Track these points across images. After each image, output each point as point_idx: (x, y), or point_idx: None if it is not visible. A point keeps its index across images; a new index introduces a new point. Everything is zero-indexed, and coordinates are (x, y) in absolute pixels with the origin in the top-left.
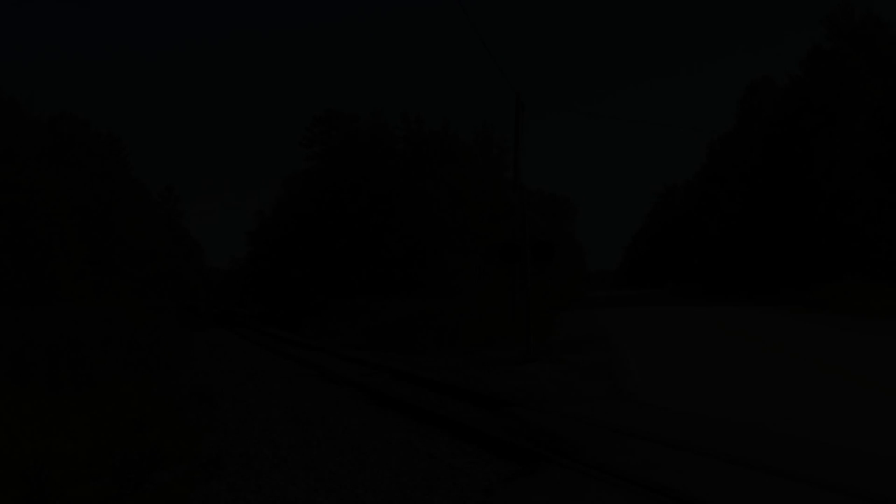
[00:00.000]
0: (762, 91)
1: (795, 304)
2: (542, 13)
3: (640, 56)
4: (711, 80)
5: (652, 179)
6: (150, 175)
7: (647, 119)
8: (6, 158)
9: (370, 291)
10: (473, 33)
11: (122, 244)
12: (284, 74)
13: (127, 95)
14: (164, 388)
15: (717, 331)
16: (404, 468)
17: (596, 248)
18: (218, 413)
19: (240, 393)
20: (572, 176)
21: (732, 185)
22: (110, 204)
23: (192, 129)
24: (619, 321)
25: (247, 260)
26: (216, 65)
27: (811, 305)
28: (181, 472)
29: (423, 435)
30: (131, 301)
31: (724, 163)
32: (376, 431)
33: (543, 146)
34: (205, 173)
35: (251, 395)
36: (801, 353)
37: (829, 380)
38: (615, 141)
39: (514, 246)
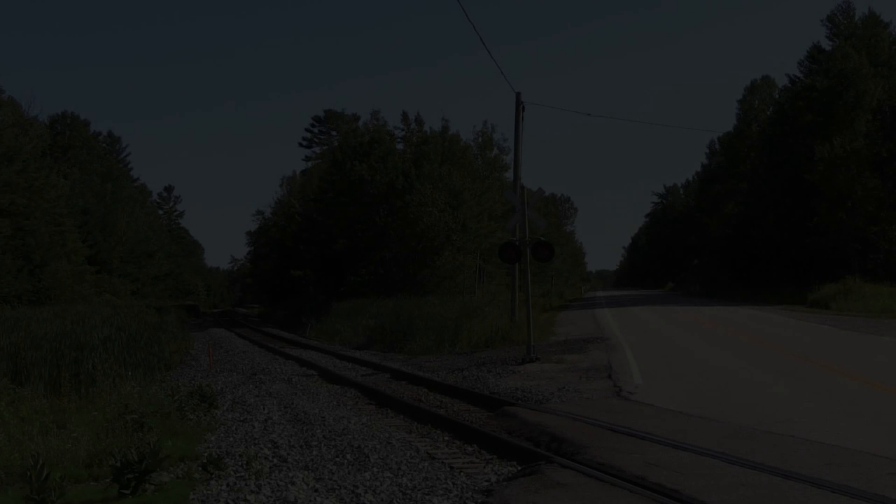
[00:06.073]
0: (762, 91)
1: (796, 304)
2: (542, 13)
3: (640, 55)
4: (711, 80)
5: (652, 179)
6: (150, 175)
7: (646, 119)
8: (7, 158)
9: (370, 291)
10: (473, 33)
11: (122, 244)
12: (284, 74)
13: (127, 95)
14: (164, 388)
15: (718, 331)
16: (404, 468)
17: (596, 248)
18: (218, 413)
19: (240, 393)
20: (572, 176)
21: (732, 185)
22: (110, 204)
23: (192, 130)
24: (618, 321)
25: (247, 260)
26: (216, 64)
27: (811, 305)
28: (181, 472)
29: (424, 435)
30: (131, 301)
31: (724, 163)
32: (376, 431)
33: (543, 146)
34: (205, 173)
35: (251, 395)
36: (801, 354)
37: (832, 381)
38: (615, 141)
39: (514, 246)
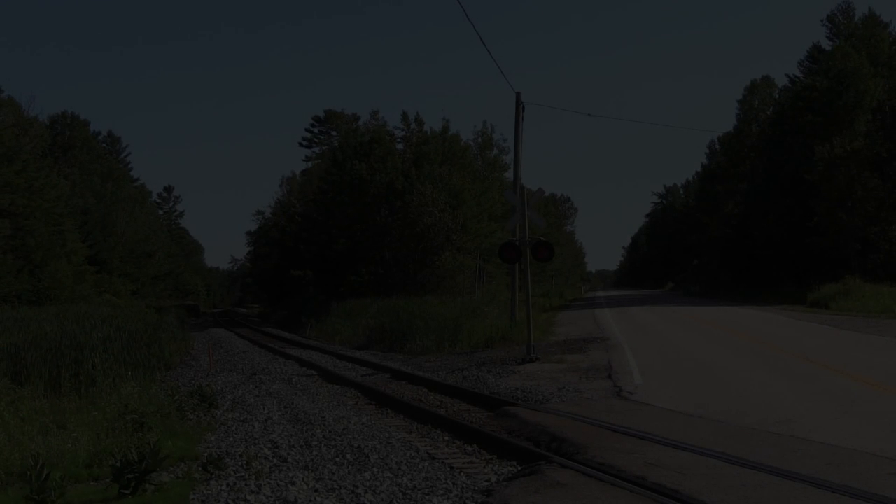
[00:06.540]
0: (762, 91)
1: (795, 304)
2: (542, 13)
3: (640, 55)
4: (711, 79)
5: (652, 179)
6: (150, 175)
7: (647, 119)
8: (7, 158)
9: (370, 291)
10: (473, 33)
11: (122, 244)
12: (284, 74)
13: (127, 95)
14: (164, 388)
15: (717, 331)
16: (404, 468)
17: (596, 248)
18: (218, 413)
19: (240, 393)
20: (572, 176)
21: (732, 185)
22: (110, 204)
23: (192, 129)
24: (618, 321)
25: (247, 260)
26: (216, 64)
27: (811, 305)
28: (181, 472)
29: (424, 435)
30: (131, 301)
31: (724, 163)
32: (376, 431)
33: (543, 146)
34: (205, 173)
35: (251, 395)
36: (801, 354)
37: (833, 380)
38: (615, 141)
39: (514, 246)
